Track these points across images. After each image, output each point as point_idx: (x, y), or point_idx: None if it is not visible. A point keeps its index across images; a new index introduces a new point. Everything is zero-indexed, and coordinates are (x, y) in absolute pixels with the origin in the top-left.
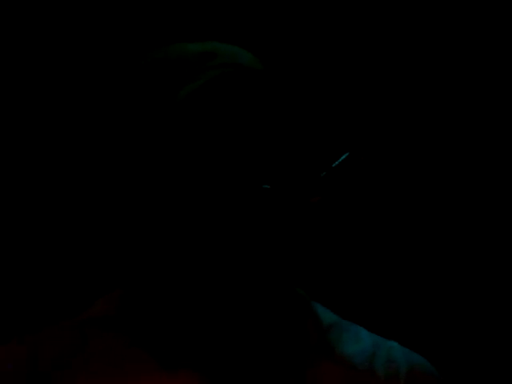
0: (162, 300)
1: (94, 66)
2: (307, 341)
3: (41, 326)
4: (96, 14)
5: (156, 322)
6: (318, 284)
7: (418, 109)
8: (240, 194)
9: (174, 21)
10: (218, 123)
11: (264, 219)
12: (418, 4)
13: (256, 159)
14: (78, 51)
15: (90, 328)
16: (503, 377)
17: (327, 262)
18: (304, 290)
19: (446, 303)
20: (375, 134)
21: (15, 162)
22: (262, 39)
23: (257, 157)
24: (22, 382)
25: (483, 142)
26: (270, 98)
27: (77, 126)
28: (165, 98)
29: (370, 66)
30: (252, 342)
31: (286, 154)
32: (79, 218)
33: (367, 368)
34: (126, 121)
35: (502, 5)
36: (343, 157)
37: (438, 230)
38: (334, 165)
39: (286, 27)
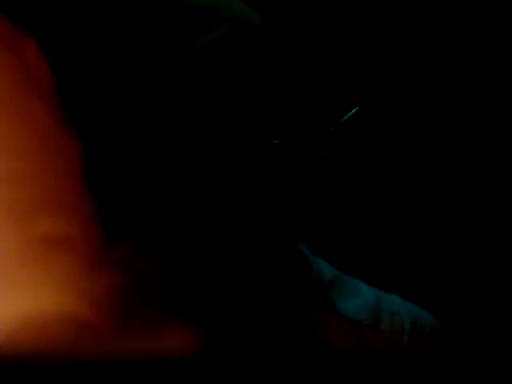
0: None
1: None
2: (313, 296)
3: None
4: None
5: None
6: (318, 239)
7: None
8: (251, 147)
9: None
10: (232, 76)
11: (274, 174)
12: None
13: (267, 114)
14: None
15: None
16: (505, 332)
17: (327, 217)
18: (305, 244)
19: (446, 258)
20: (384, 89)
21: None
22: None
23: (268, 111)
24: None
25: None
26: (281, 54)
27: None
28: (179, 47)
29: (382, 25)
30: (256, 299)
31: (296, 108)
32: None
33: (371, 322)
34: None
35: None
36: (352, 111)
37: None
38: (342, 119)
39: None
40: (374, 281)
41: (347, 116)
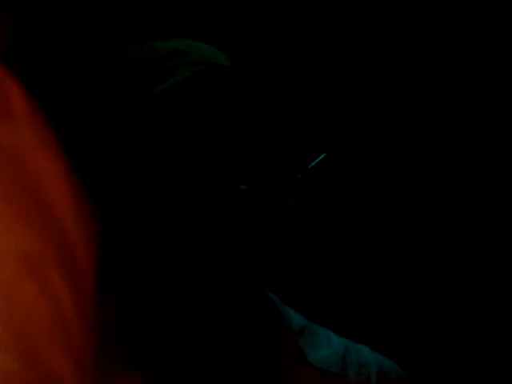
0: (155, 304)
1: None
2: (282, 344)
3: None
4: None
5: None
6: (287, 288)
7: (395, 110)
8: (217, 193)
9: (142, 16)
10: (192, 121)
11: (240, 219)
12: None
13: (232, 159)
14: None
15: None
16: (469, 375)
17: (296, 264)
18: (274, 293)
19: (412, 304)
20: (351, 134)
21: None
22: (229, 36)
23: (233, 157)
24: None
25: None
26: (245, 96)
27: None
28: (139, 95)
29: (348, 66)
30: (227, 345)
31: (263, 154)
32: None
33: (339, 372)
34: (103, 119)
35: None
36: (319, 158)
37: (406, 233)
38: (310, 166)
39: (255, 24)
40: (343, 330)
41: (314, 162)
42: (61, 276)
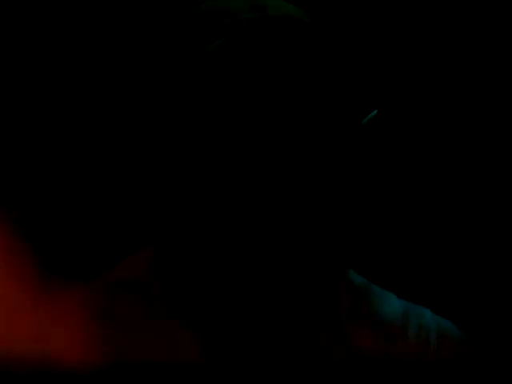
0: (193, 264)
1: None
2: (340, 303)
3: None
4: None
5: (196, 293)
6: (350, 249)
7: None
8: (274, 149)
9: None
10: (244, 75)
11: (296, 178)
12: None
13: (286, 114)
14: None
15: (119, 293)
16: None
17: (356, 228)
18: (339, 253)
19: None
20: (406, 92)
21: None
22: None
23: (287, 111)
24: None
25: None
26: (300, 51)
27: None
28: (201, 48)
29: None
30: (284, 304)
31: (318, 109)
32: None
33: (399, 332)
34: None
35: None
36: (372, 114)
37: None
38: (363, 122)
39: None
40: (406, 293)
41: (367, 118)
42: None
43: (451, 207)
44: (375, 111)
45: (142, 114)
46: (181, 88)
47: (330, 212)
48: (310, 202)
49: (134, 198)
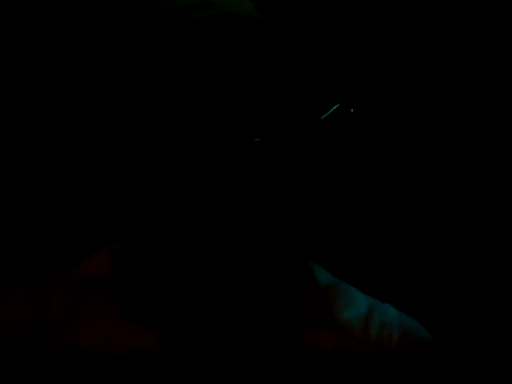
0: (161, 266)
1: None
2: (305, 304)
3: (31, 277)
4: None
5: (151, 289)
6: (314, 243)
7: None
8: (231, 146)
9: None
10: (202, 75)
11: (256, 172)
12: None
13: (245, 111)
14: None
15: (83, 289)
16: (498, 342)
17: (322, 219)
18: (301, 249)
19: (445, 265)
20: (367, 85)
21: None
22: None
23: (245, 109)
24: (18, 333)
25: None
26: (258, 47)
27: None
28: (155, 51)
29: (367, 24)
30: (247, 304)
31: (275, 105)
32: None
33: (361, 334)
34: (121, 73)
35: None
36: (333, 109)
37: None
38: (323, 117)
39: None
40: (370, 287)
41: (327, 113)
42: None
43: (417, 202)
44: (336, 106)
45: (106, 113)
46: (143, 86)
47: (292, 209)
48: (268, 200)
49: (100, 196)
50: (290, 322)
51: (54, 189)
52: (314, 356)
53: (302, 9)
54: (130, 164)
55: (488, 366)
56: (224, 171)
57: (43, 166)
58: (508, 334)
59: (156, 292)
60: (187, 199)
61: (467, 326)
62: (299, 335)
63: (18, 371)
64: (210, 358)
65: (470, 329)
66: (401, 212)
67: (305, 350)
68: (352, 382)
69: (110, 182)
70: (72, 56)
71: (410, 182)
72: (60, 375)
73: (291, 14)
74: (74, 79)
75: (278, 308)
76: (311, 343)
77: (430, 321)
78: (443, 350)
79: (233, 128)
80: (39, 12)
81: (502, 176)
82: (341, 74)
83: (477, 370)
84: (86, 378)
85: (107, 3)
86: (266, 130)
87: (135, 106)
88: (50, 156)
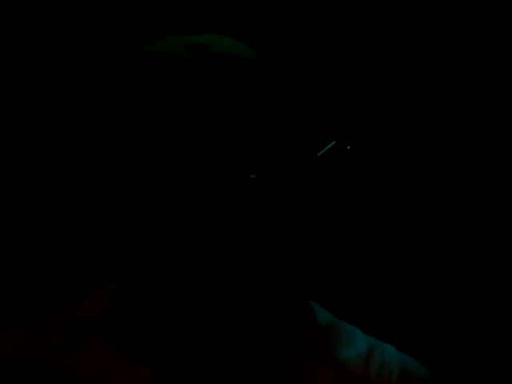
0: (156, 302)
1: (89, 63)
2: (303, 342)
3: (28, 319)
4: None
5: (149, 330)
6: (315, 282)
7: (409, 104)
8: (227, 184)
9: (173, 16)
10: (195, 115)
11: (252, 209)
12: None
13: (240, 148)
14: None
15: (81, 329)
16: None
17: (322, 258)
18: (301, 288)
19: (444, 307)
20: (362, 123)
21: (12, 163)
22: (263, 34)
23: (241, 146)
24: (15, 375)
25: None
26: (252, 87)
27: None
28: (146, 93)
29: (361, 60)
30: (245, 342)
31: (271, 142)
32: (73, 217)
33: (361, 373)
34: (111, 118)
35: (501, 5)
36: (329, 146)
37: (431, 223)
38: (319, 154)
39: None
40: (371, 327)
41: (324, 150)
42: None
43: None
44: (332, 143)
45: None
46: (129, 134)
47: (289, 246)
48: (264, 236)
49: (98, 239)
50: (286, 357)
51: (52, 218)
52: None
53: (295, 48)
54: (125, 204)
55: None
56: (220, 208)
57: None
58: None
59: (153, 330)
60: (183, 238)
61: (468, 367)
62: (297, 370)
63: None
64: None
65: (470, 371)
66: (399, 250)
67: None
68: None
69: (104, 226)
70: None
71: (406, 221)
72: None
73: (285, 52)
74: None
75: (274, 343)
76: (310, 380)
77: (430, 361)
78: None
79: (228, 165)
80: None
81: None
82: (337, 111)
83: None
84: None
85: (99, 45)
86: (262, 167)
87: (131, 146)
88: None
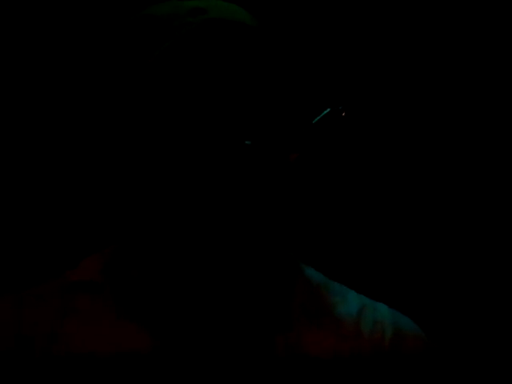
0: (146, 267)
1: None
2: (295, 303)
3: (23, 283)
4: None
5: (142, 290)
6: (308, 245)
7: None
8: (222, 150)
9: None
10: (192, 79)
11: (246, 175)
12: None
13: (235, 114)
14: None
15: (76, 293)
16: (491, 339)
17: (314, 222)
18: (294, 251)
19: (438, 264)
20: (358, 89)
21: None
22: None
23: (236, 112)
24: (7, 342)
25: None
26: (248, 53)
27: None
28: (145, 55)
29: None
30: (239, 305)
31: (266, 108)
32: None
33: (354, 330)
34: (108, 84)
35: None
36: (324, 112)
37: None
38: (314, 120)
39: None
40: (363, 289)
41: (319, 117)
42: None
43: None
44: (327, 110)
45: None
46: (135, 92)
47: (284, 211)
48: (259, 202)
49: (95, 202)
50: (278, 318)
51: (48, 191)
52: (304, 352)
53: (293, 12)
54: (121, 165)
55: (482, 366)
56: (215, 173)
57: (39, 166)
58: (502, 333)
59: (148, 291)
60: (178, 201)
61: (460, 323)
62: (289, 331)
63: (7, 378)
64: (203, 355)
65: (463, 327)
66: (392, 212)
67: (294, 345)
68: (343, 380)
69: (102, 185)
70: (65, 61)
71: (400, 183)
72: (54, 380)
73: (283, 18)
74: (67, 83)
75: (266, 304)
76: (301, 339)
77: (422, 318)
78: (436, 347)
79: (223, 131)
80: (33, 16)
81: (502, 177)
82: (332, 77)
83: (471, 369)
84: (80, 381)
85: (98, 10)
86: (257, 133)
87: (128, 109)
88: (44, 157)
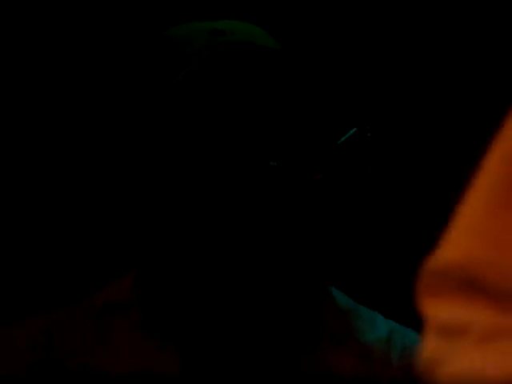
0: (172, 286)
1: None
2: (323, 326)
3: (51, 306)
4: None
5: (167, 307)
6: (335, 268)
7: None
8: (248, 171)
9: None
10: (217, 101)
11: (272, 196)
12: None
13: (261, 136)
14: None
15: (105, 314)
16: None
17: (343, 245)
18: (322, 274)
19: None
20: (383, 110)
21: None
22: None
23: (261, 133)
24: (39, 360)
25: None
26: (273, 73)
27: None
28: (165, 80)
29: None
30: (266, 326)
31: (291, 129)
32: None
33: (382, 357)
34: (129, 105)
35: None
36: (350, 133)
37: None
38: (340, 141)
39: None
40: (391, 313)
41: (344, 138)
42: None
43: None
44: (353, 130)
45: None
46: (154, 116)
47: (310, 233)
48: (285, 224)
49: (119, 222)
50: (306, 341)
51: (72, 211)
52: (332, 377)
53: (317, 35)
54: (147, 186)
55: None
56: (241, 195)
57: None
58: None
59: (177, 311)
60: (206, 222)
61: None
62: (318, 355)
63: None
64: (230, 375)
65: None
66: (424, 235)
67: (323, 370)
68: None
69: (124, 207)
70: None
71: (430, 205)
72: None
73: (305, 39)
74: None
75: (295, 329)
76: (330, 363)
77: None
78: None
79: (249, 152)
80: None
81: None
82: (358, 98)
83: None
84: None
85: (118, 31)
86: (282, 154)
87: (154, 132)
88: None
